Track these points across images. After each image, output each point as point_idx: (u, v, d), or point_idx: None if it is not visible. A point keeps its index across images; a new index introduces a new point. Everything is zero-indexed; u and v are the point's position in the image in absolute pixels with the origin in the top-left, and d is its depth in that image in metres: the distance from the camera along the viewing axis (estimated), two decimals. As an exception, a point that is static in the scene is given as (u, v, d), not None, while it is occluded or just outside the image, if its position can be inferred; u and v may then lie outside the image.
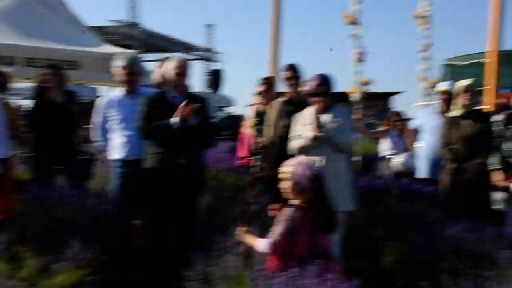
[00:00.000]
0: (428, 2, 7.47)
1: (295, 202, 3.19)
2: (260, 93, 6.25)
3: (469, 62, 24.64)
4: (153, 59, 29.36)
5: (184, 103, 4.26)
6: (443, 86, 6.39)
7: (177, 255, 4.05)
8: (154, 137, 4.40)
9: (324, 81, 4.55)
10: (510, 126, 5.58)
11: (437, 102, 6.50)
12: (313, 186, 3.16)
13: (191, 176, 4.38)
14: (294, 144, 4.57)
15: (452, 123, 5.42)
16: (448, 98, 6.09)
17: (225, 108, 39.78)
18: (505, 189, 5.51)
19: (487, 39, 7.62)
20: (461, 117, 5.37)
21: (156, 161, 4.38)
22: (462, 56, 26.05)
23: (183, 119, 4.25)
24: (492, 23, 7.45)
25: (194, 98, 4.48)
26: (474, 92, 5.41)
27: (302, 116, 4.62)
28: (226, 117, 31.89)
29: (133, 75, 4.83)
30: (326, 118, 4.47)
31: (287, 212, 3.12)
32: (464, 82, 5.48)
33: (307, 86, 4.59)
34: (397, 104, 31.95)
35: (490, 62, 7.63)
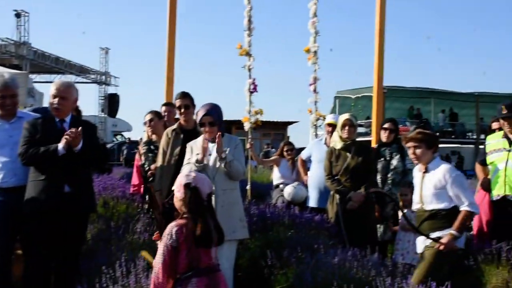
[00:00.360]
0: (315, 38, 7.88)
1: (178, 218, 3.15)
2: (149, 122, 6.15)
3: (357, 95, 26.25)
4: (45, 80, 28.25)
5: (72, 129, 4.11)
6: (329, 118, 6.63)
7: (60, 286, 3.87)
8: (37, 163, 4.17)
9: (213, 109, 4.58)
10: (379, 160, 5.96)
11: (324, 133, 6.75)
12: (188, 197, 3.11)
13: (76, 204, 4.20)
14: (183, 172, 4.54)
15: (334, 154, 5.65)
16: (333, 130, 6.30)
17: (123, 133, 38.86)
18: (383, 219, 5.86)
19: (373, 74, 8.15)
20: (343, 149, 5.62)
21: (39, 189, 4.16)
22: (351, 89, 27.64)
23: (68, 145, 4.09)
24: (376, 60, 7.97)
25: (80, 122, 4.36)
26: (353, 125, 5.65)
27: (194, 145, 4.62)
28: (122, 142, 31.16)
29: (5, 98, 4.47)
30: (215, 146, 4.50)
31: (167, 229, 3.07)
32: (343, 116, 5.75)
33: (197, 114, 4.59)
34: (293, 133, 33.13)
35: (374, 96, 8.14)
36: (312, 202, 6.36)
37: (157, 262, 3.03)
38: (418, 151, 4.28)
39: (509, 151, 5.13)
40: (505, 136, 5.24)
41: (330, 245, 4.96)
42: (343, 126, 5.63)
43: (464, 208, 4.14)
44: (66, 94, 4.32)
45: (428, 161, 4.32)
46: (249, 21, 7.75)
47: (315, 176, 6.37)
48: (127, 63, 74.12)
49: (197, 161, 4.42)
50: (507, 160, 5.12)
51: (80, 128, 4.10)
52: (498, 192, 5.19)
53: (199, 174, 3.41)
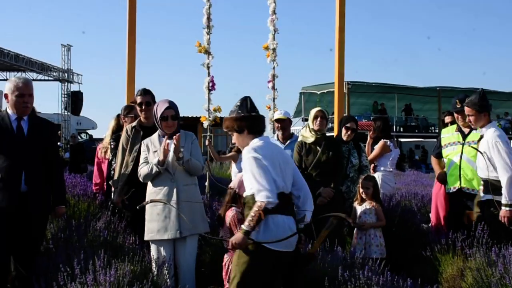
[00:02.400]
0: (274, 36, 7.92)
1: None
2: (117, 118, 6.14)
3: (323, 91, 26.49)
4: (3, 78, 27.58)
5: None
6: (277, 114, 6.51)
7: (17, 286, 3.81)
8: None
9: (174, 104, 4.58)
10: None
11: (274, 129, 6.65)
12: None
13: (34, 203, 4.13)
14: (142, 170, 4.55)
15: (304, 148, 5.61)
16: (281, 126, 6.29)
17: (87, 131, 38.25)
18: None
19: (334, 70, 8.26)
20: (314, 143, 5.60)
21: None
22: (317, 85, 27.88)
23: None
24: (337, 56, 8.08)
25: (38, 120, 4.30)
26: (324, 117, 5.63)
27: (150, 142, 4.62)
28: (86, 140, 30.65)
29: None
30: (174, 143, 4.50)
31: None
32: (314, 110, 5.75)
33: (157, 109, 4.56)
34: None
35: (336, 92, 8.25)
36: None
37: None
38: None
39: (463, 144, 5.28)
40: (459, 129, 5.39)
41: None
42: (315, 117, 5.59)
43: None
44: (32, 91, 4.25)
45: None
46: (208, 18, 7.73)
47: None
48: (90, 60, 72.96)
49: (158, 163, 4.42)
50: (462, 154, 5.27)
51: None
52: (453, 184, 5.33)
53: None
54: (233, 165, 8.53)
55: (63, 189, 4.54)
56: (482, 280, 4.09)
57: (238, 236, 3.31)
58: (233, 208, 4.16)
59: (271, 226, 3.34)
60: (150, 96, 5.18)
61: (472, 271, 4.28)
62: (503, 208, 4.62)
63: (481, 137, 4.86)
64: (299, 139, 5.81)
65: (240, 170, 8.02)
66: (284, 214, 3.41)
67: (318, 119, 5.57)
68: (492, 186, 4.70)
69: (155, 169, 4.44)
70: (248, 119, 3.58)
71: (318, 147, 5.56)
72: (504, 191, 4.60)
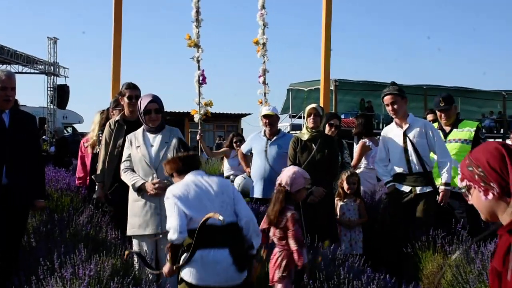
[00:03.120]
0: (263, 30, 7.96)
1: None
2: (105, 112, 6.11)
3: (310, 88, 26.54)
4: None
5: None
6: (265, 110, 6.51)
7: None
8: None
9: (158, 98, 4.54)
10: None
11: (261, 125, 6.67)
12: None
13: (14, 197, 4.10)
14: (124, 175, 4.52)
15: (300, 145, 5.55)
16: (269, 122, 6.31)
17: (73, 125, 37.95)
18: None
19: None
20: (309, 140, 5.53)
21: None
22: (304, 82, 27.91)
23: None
24: (323, 53, 8.12)
25: (19, 113, 4.27)
26: (319, 115, 5.56)
27: (134, 137, 4.58)
28: (71, 134, 30.38)
29: None
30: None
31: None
32: (309, 106, 5.69)
33: (141, 103, 4.51)
34: (247, 125, 33.20)
35: (322, 89, 8.29)
36: (257, 193, 6.35)
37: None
38: None
39: (444, 142, 5.33)
40: (440, 128, 5.44)
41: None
42: (309, 115, 5.54)
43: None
44: (15, 84, 4.22)
45: None
46: (197, 12, 7.73)
47: (258, 168, 6.35)
48: (76, 53, 72.30)
49: (137, 189, 4.42)
50: (443, 152, 5.31)
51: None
52: (437, 183, 5.38)
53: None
54: (225, 161, 8.53)
55: (43, 183, 4.52)
56: (461, 277, 4.15)
57: (166, 265, 3.43)
58: (288, 207, 4.06)
59: (194, 261, 3.32)
60: (139, 90, 5.17)
61: (451, 268, 4.34)
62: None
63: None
64: (296, 135, 5.80)
65: (232, 167, 8.09)
66: (211, 247, 3.34)
67: (312, 116, 5.53)
68: None
69: (132, 187, 4.46)
70: (174, 161, 3.66)
71: (313, 145, 5.49)
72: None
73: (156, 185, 4.33)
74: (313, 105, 5.71)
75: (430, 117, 6.35)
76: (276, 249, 4.09)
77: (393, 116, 5.32)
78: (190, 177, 3.58)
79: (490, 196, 1.74)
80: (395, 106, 5.23)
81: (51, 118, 30.52)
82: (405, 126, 5.21)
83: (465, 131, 5.29)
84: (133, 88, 5.12)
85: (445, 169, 5.02)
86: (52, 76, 30.78)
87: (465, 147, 5.21)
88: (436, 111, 5.50)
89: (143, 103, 4.49)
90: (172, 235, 3.28)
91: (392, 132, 5.36)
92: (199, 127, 8.45)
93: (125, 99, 5.11)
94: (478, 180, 1.77)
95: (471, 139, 5.23)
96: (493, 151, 1.77)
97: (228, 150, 8.39)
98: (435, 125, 5.55)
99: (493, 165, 1.74)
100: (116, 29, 7.66)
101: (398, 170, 5.21)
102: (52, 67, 30.51)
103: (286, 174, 4.13)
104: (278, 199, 4.08)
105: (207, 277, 3.30)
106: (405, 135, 5.18)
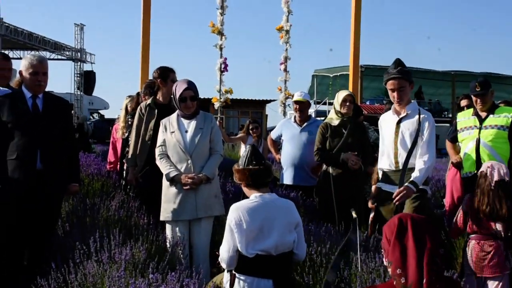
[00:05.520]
0: (287, 17, 7.91)
1: None
2: (136, 97, 6.15)
3: (336, 74, 26.31)
4: (18, 57, 27.67)
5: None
6: (296, 96, 6.49)
7: (29, 263, 3.84)
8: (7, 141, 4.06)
9: (193, 84, 4.51)
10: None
11: (292, 111, 6.66)
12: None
13: (49, 182, 4.12)
14: (159, 162, 4.50)
15: (330, 130, 5.60)
16: (300, 108, 6.33)
17: (99, 111, 38.37)
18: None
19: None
20: (340, 125, 5.59)
21: (11, 169, 4.04)
22: (329, 68, 27.68)
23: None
24: (352, 39, 8.02)
25: (52, 98, 4.30)
26: (352, 102, 5.64)
27: (168, 122, 4.57)
28: (99, 120, 30.74)
29: None
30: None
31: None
32: (343, 92, 5.73)
33: (176, 89, 4.48)
34: (271, 111, 33.15)
35: (351, 75, 8.20)
36: (287, 180, 6.34)
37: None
38: None
39: (479, 128, 5.21)
40: (476, 113, 5.32)
41: (306, 221, 5.00)
42: (344, 101, 5.60)
43: None
44: (47, 69, 4.24)
45: None
46: (223, -2, 7.71)
47: (288, 154, 6.34)
48: (102, 40, 72.92)
49: (171, 179, 4.42)
50: (478, 138, 5.20)
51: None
52: (469, 169, 5.27)
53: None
54: (242, 146, 8.66)
55: (77, 167, 4.56)
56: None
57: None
58: None
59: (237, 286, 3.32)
60: (163, 74, 5.20)
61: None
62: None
63: None
64: (325, 121, 5.80)
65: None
66: (255, 276, 3.29)
67: (347, 103, 5.60)
68: None
69: (166, 176, 4.45)
70: (243, 173, 3.49)
71: (343, 130, 5.57)
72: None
73: (190, 181, 4.33)
74: (348, 91, 5.78)
75: (464, 102, 6.21)
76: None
77: (396, 104, 4.56)
78: (259, 201, 3.41)
79: None
80: (402, 93, 4.49)
81: (77, 104, 30.92)
82: (402, 114, 4.55)
83: (502, 117, 5.15)
84: (173, 72, 5.19)
85: (420, 169, 4.34)
86: (79, 62, 31.14)
87: (502, 134, 5.08)
88: (472, 96, 5.36)
89: (178, 90, 4.44)
90: (223, 265, 3.39)
91: (387, 119, 4.74)
92: (219, 114, 8.56)
93: (169, 82, 5.09)
94: None
95: (508, 125, 5.09)
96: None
97: (245, 135, 8.69)
98: (470, 111, 5.44)
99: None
100: (145, 13, 7.66)
101: (385, 164, 4.63)
102: (79, 54, 30.85)
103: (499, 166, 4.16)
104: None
105: None
106: (398, 124, 4.56)
